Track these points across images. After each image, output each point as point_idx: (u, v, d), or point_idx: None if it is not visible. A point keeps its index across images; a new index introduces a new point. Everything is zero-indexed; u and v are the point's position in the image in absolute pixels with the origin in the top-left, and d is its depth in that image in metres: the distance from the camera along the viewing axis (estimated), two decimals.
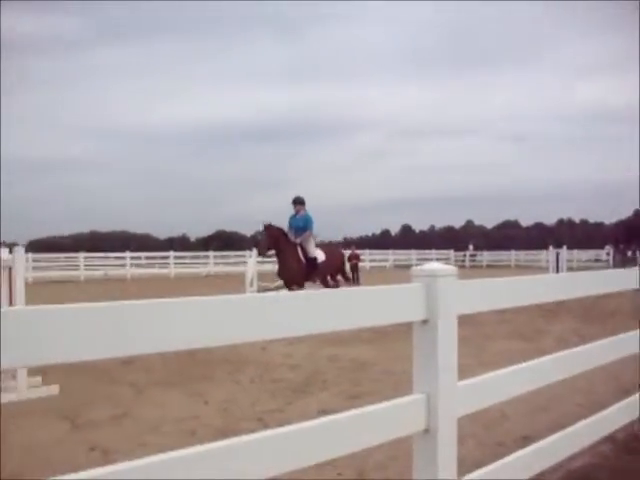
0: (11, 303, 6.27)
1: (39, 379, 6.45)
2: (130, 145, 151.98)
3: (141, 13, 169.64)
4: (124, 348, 1.73)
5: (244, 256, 36.23)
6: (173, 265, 34.20)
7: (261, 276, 18.25)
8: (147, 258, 36.18)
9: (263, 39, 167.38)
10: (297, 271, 12.05)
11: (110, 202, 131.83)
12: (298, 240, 12.25)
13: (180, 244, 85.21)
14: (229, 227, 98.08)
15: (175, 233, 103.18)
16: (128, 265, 32.57)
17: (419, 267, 2.50)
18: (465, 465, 2.92)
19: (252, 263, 16.82)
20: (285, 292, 11.83)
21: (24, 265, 6.12)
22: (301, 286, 12.13)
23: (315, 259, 12.36)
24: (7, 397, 6.01)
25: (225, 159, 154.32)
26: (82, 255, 32.07)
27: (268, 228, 12.06)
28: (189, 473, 1.78)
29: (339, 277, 13.98)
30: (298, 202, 12.65)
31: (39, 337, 1.54)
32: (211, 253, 37.15)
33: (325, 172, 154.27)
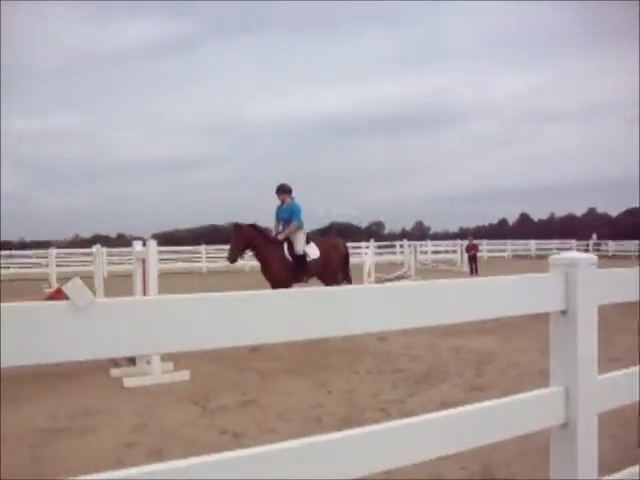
0: (145, 292, 6.65)
1: (171, 365, 6.81)
2: (243, 140, 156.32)
3: (247, 12, 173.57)
4: (253, 336, 1.78)
5: (359, 247, 36.49)
6: None
7: (378, 267, 18.24)
8: None
9: (370, 30, 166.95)
10: (279, 272, 9.95)
11: (227, 196, 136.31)
12: (281, 237, 10.18)
13: None
14: (342, 219, 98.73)
15: None
16: (247, 257, 33.52)
17: (557, 256, 2.41)
18: (602, 465, 2.79)
19: (370, 254, 16.82)
20: (406, 282, 11.69)
21: (157, 257, 6.46)
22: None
23: (304, 256, 10.22)
24: (143, 380, 6.40)
25: (338, 152, 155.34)
26: (203, 247, 33.36)
27: (236, 229, 10.15)
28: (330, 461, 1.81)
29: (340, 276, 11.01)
30: (281, 190, 10.47)
31: (174, 325, 1.62)
32: None
33: (441, 162, 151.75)
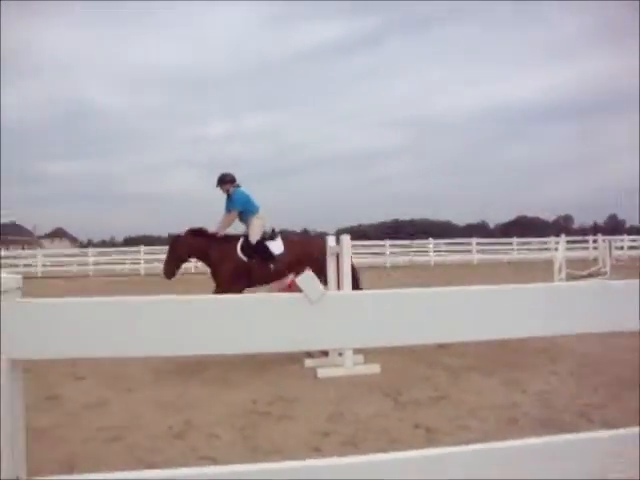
0: (339, 287, 6.86)
1: (361, 357, 6.97)
2: (428, 133, 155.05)
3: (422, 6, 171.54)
4: (444, 334, 1.77)
5: (547, 242, 34.70)
6: (475, 251, 34.14)
7: (570, 263, 17.28)
8: (447, 244, 36.64)
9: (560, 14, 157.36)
10: (227, 273, 8.56)
11: (413, 190, 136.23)
12: (220, 232, 8.80)
13: (478, 231, 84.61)
14: (531, 212, 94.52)
15: (474, 220, 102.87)
16: (431, 252, 33.42)
17: None
18: None
19: (561, 250, 15.96)
20: (600, 281, 10.93)
21: (350, 252, 6.64)
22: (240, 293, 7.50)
23: (263, 250, 8.71)
24: (336, 372, 6.62)
25: (524, 141, 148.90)
26: (388, 242, 33.67)
27: (176, 241, 8.93)
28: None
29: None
30: (221, 182, 9.04)
31: (366, 320, 1.66)
32: (514, 239, 36.12)
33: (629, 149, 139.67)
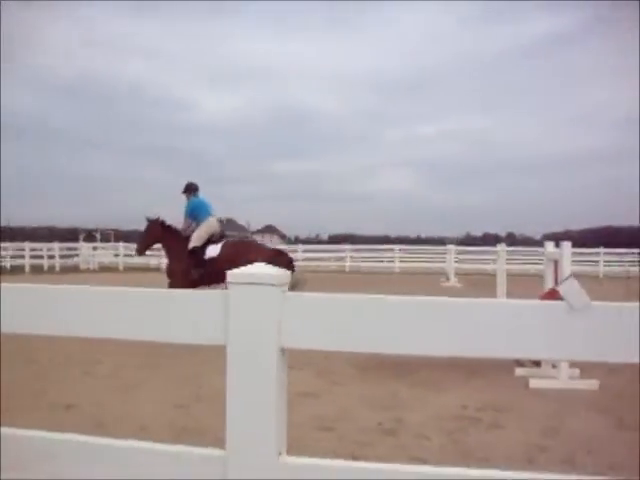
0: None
1: (577, 371, 6.58)
2: None
3: None
4: None
5: None
6: None
7: None
8: None
9: None
10: (177, 274, 9.50)
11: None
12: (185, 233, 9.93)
13: None
14: None
15: None
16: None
17: None
18: None
19: None
20: None
21: (570, 259, 6.29)
22: None
23: (200, 254, 9.55)
24: (549, 383, 6.32)
25: None
26: (602, 250, 31.35)
27: (148, 226, 10.18)
28: None
29: None
30: (184, 189, 10.30)
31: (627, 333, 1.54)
32: None
33: None
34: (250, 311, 1.65)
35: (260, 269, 1.69)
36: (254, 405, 1.65)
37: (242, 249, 9.48)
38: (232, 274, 1.68)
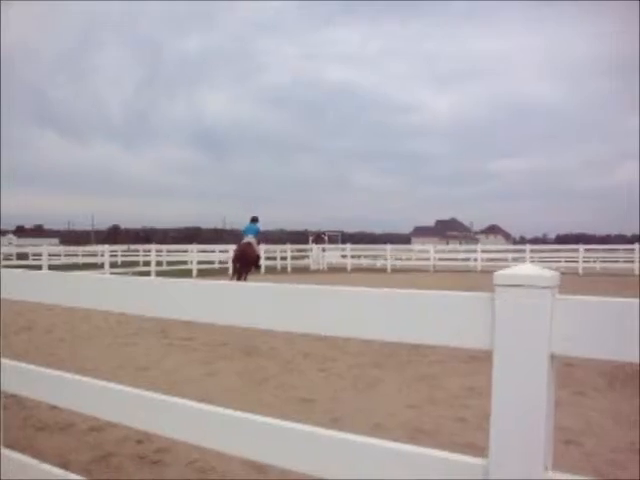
0: None
1: None
2: None
3: None
4: None
5: None
6: None
7: None
8: None
9: None
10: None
11: None
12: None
13: None
14: None
15: None
16: None
17: None
18: None
19: None
20: None
21: None
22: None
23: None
24: None
25: None
26: None
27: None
28: None
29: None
30: (251, 219, 17.83)
31: None
32: None
33: None
34: (519, 315, 1.55)
35: (530, 270, 1.58)
36: (523, 415, 1.55)
37: (245, 249, 17.06)
38: (499, 276, 1.58)
